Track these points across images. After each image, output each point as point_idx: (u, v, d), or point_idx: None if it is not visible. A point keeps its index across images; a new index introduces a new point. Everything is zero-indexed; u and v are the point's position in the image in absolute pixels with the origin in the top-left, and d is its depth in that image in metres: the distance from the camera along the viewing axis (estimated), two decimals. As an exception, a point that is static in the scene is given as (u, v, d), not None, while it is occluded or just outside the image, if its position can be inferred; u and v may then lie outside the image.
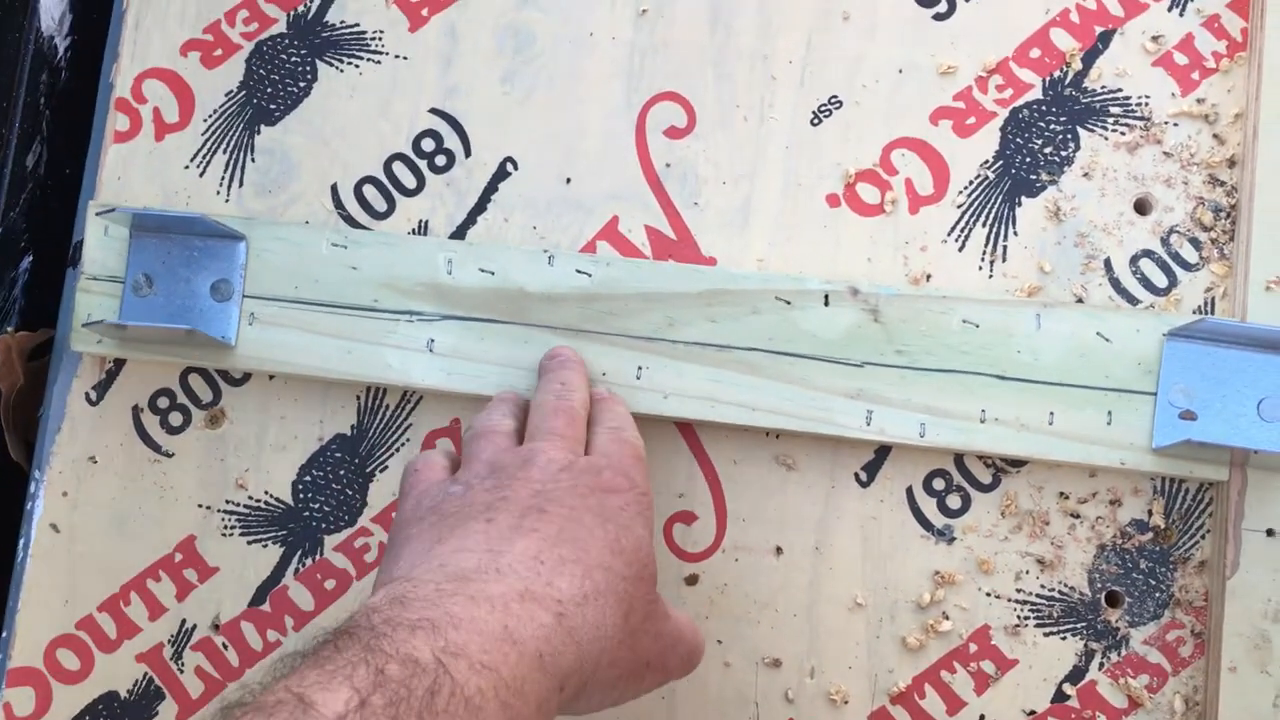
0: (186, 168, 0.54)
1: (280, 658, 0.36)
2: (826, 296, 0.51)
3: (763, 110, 0.54)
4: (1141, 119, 0.52)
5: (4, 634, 0.53)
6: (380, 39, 0.55)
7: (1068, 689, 0.50)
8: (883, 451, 0.52)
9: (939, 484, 0.51)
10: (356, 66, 0.55)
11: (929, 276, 0.52)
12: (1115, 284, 0.52)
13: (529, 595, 0.38)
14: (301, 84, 0.55)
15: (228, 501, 0.53)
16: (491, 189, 0.54)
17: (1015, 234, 0.52)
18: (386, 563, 0.42)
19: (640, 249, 0.53)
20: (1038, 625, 0.50)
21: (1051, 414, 0.50)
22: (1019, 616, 0.50)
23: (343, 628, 0.36)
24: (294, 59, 0.55)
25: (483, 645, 0.35)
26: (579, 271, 0.52)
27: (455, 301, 0.52)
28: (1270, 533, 0.49)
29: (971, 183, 0.53)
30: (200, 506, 0.53)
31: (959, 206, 0.52)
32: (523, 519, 0.41)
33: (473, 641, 0.35)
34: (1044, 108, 0.53)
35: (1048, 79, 0.53)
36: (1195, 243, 0.52)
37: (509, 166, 0.54)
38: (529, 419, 0.47)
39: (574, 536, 0.41)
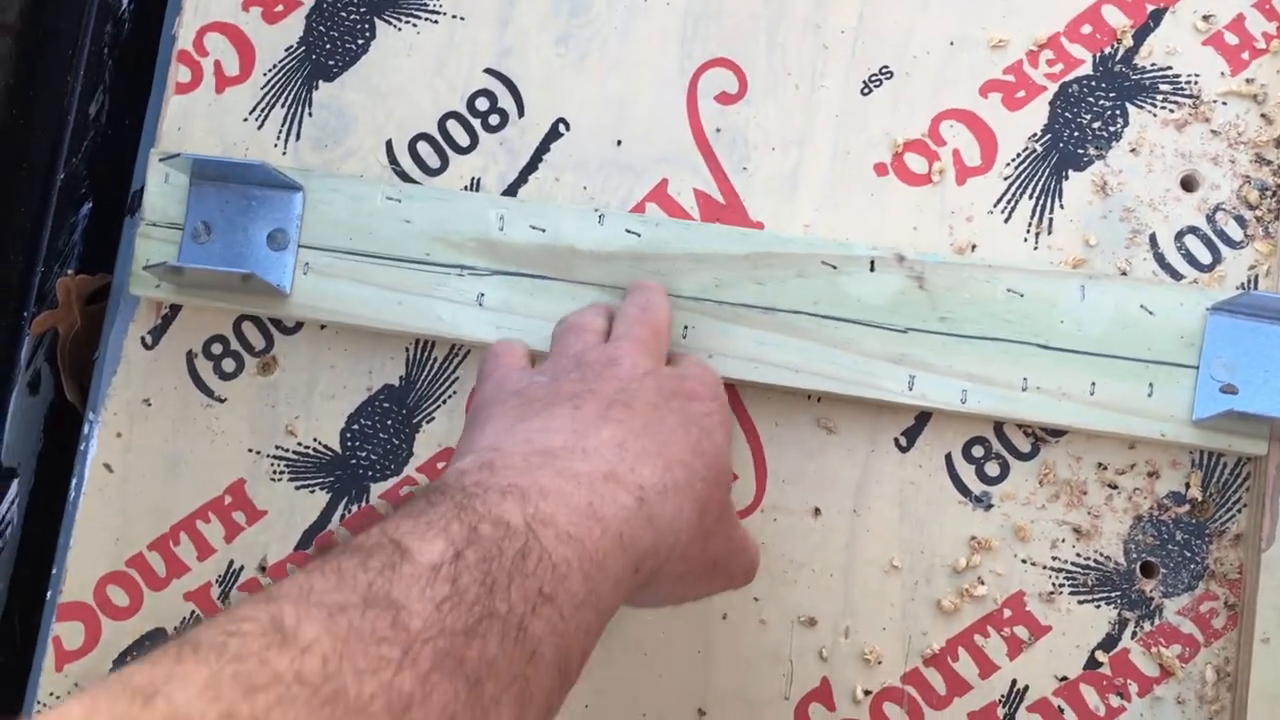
0: (245, 120, 0.56)
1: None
2: (872, 262, 0.51)
3: (814, 79, 0.54)
4: (1190, 97, 0.53)
5: (55, 570, 0.54)
6: (439, -1, 0.56)
7: (1100, 656, 0.51)
8: (923, 418, 0.52)
9: (978, 451, 0.52)
10: (414, 25, 0.56)
11: (974, 247, 0.53)
12: (1160, 259, 0.52)
13: (613, 477, 0.39)
14: (360, 41, 0.56)
15: (277, 447, 0.54)
16: (543, 149, 0.55)
17: (1061, 207, 0.53)
18: (466, 437, 0.43)
19: (689, 212, 0.54)
20: (1072, 593, 0.51)
21: (1093, 384, 0.50)
22: (1054, 584, 0.51)
23: (433, 487, 0.37)
24: (353, 16, 0.56)
25: (570, 517, 0.36)
26: (628, 231, 0.52)
27: (506, 257, 0.53)
28: (1307, 507, 0.49)
29: (1019, 155, 0.53)
30: (250, 451, 0.54)
31: (1006, 179, 0.53)
32: (608, 409, 0.42)
33: (560, 512, 0.36)
34: (1093, 83, 0.53)
35: (1098, 55, 0.53)
36: (1241, 220, 0.52)
37: (561, 127, 0.55)
38: (614, 326, 0.48)
39: (657, 432, 0.42)
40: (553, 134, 0.55)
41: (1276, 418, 0.48)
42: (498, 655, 0.32)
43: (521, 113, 0.55)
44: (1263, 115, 0.52)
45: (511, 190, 0.55)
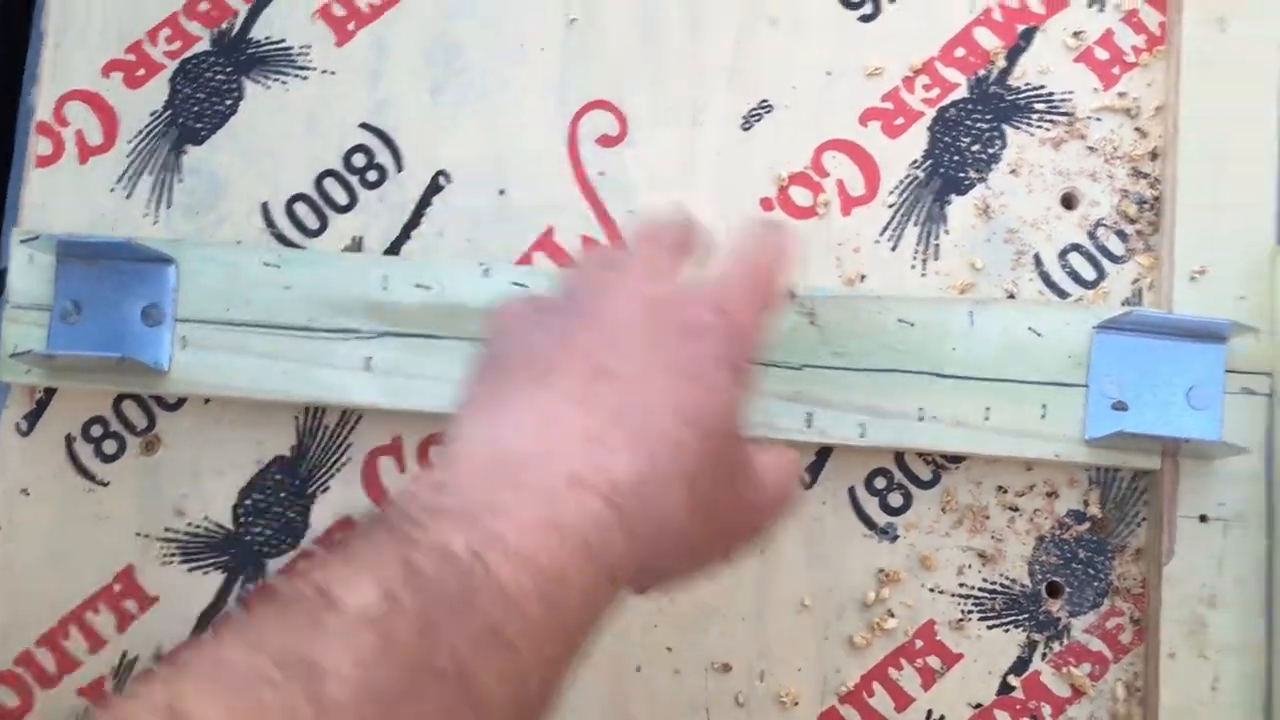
0: (113, 190, 0.54)
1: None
2: (763, 300, 0.51)
3: (694, 116, 0.54)
4: (1065, 114, 0.53)
5: (-60, 673, 0.52)
6: (307, 54, 0.54)
7: (1012, 680, 0.51)
8: (824, 453, 0.52)
9: (880, 483, 0.52)
10: (284, 83, 0.54)
11: (863, 277, 0.53)
12: (1045, 278, 0.52)
13: (577, 480, 0.34)
14: (228, 102, 0.54)
15: (166, 529, 0.52)
16: (425, 203, 0.54)
17: (946, 232, 0.53)
18: (455, 417, 0.39)
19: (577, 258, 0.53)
20: (981, 619, 0.51)
21: (988, 409, 0.50)
22: (962, 611, 0.51)
23: (376, 514, 0.33)
24: (219, 77, 0.54)
25: (521, 535, 0.32)
26: (515, 284, 0.51)
27: (392, 318, 0.51)
28: (1203, 519, 0.49)
29: (902, 182, 0.53)
30: (138, 535, 0.52)
31: (890, 206, 0.53)
32: (587, 384, 0.37)
33: (511, 531, 0.32)
34: (970, 106, 0.53)
35: (973, 77, 0.53)
36: (1122, 235, 0.52)
37: (441, 180, 0.54)
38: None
39: (640, 406, 0.36)
40: (433, 187, 0.54)
41: (1164, 436, 0.48)
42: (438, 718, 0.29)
43: (400, 167, 0.54)
44: (1137, 129, 0.53)
45: (394, 248, 0.53)
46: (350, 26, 0.54)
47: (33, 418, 0.53)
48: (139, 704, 0.27)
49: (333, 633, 0.28)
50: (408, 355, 0.51)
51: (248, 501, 0.52)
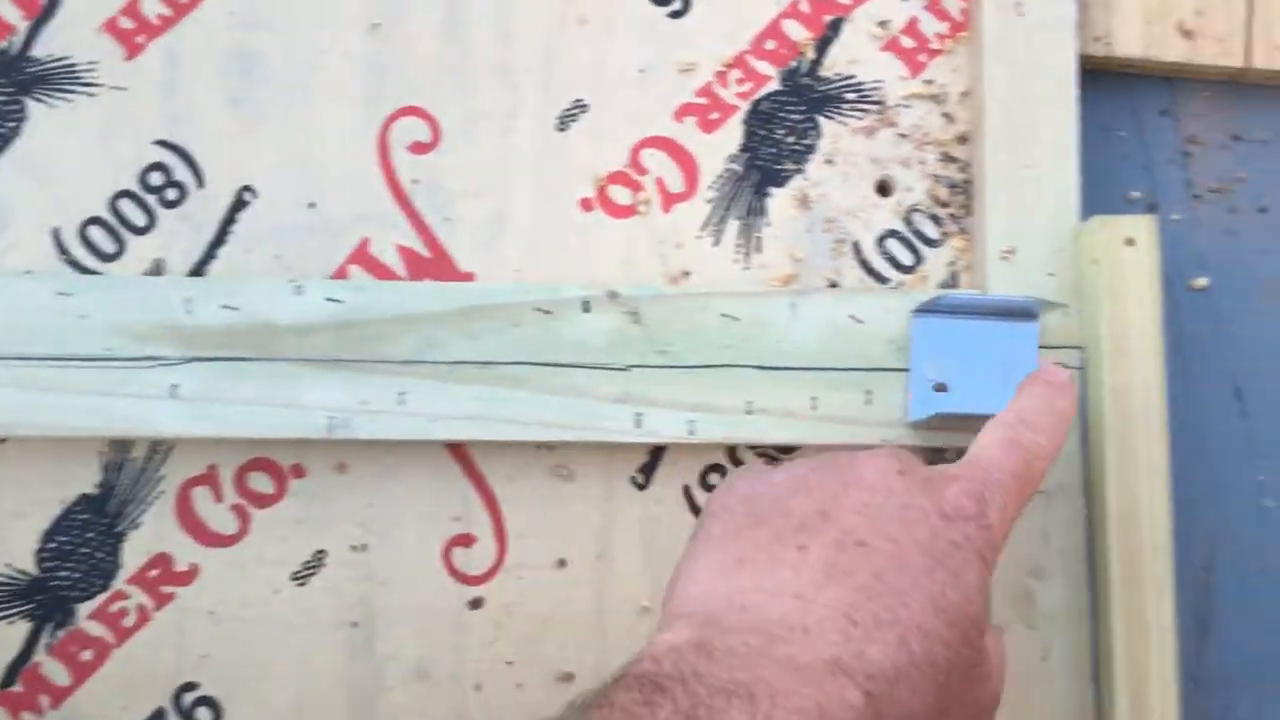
0: (-115, 223, 0.50)
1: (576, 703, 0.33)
2: (586, 303, 0.50)
3: (507, 120, 0.53)
4: (876, 103, 0.54)
5: None
6: (95, 70, 0.51)
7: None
8: (657, 452, 0.51)
9: (714, 479, 0.52)
10: (70, 101, 0.51)
11: (687, 273, 0.52)
12: (865, 265, 0.53)
13: (839, 667, 0.34)
14: (10, 124, 0.51)
15: (-36, 580, 0.49)
16: (230, 220, 0.51)
17: (768, 224, 0.53)
18: (686, 560, 0.39)
19: (394, 270, 0.52)
20: (821, 608, 0.51)
21: (814, 399, 0.50)
22: (803, 601, 0.51)
23: (649, 673, 0.33)
24: (0, 98, 0.51)
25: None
26: (329, 299, 0.50)
27: (198, 342, 0.49)
28: (1026, 493, 0.50)
29: (720, 177, 0.53)
30: (-67, 589, 0.49)
31: (710, 201, 0.53)
32: (839, 553, 0.37)
33: (785, 716, 0.32)
34: (784, 98, 0.53)
35: (785, 70, 0.54)
36: (936, 219, 0.53)
37: (246, 195, 0.51)
38: (973, 444, 0.42)
39: (894, 586, 0.36)
40: (238, 204, 0.51)
41: (984, 414, 0.49)
42: None
43: (201, 184, 0.51)
44: (945, 114, 0.54)
45: (199, 269, 0.51)
46: (139, 40, 0.52)
47: None
48: None
49: None
50: (217, 380, 0.49)
51: (52, 545, 0.49)
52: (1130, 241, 0.50)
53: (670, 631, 0.36)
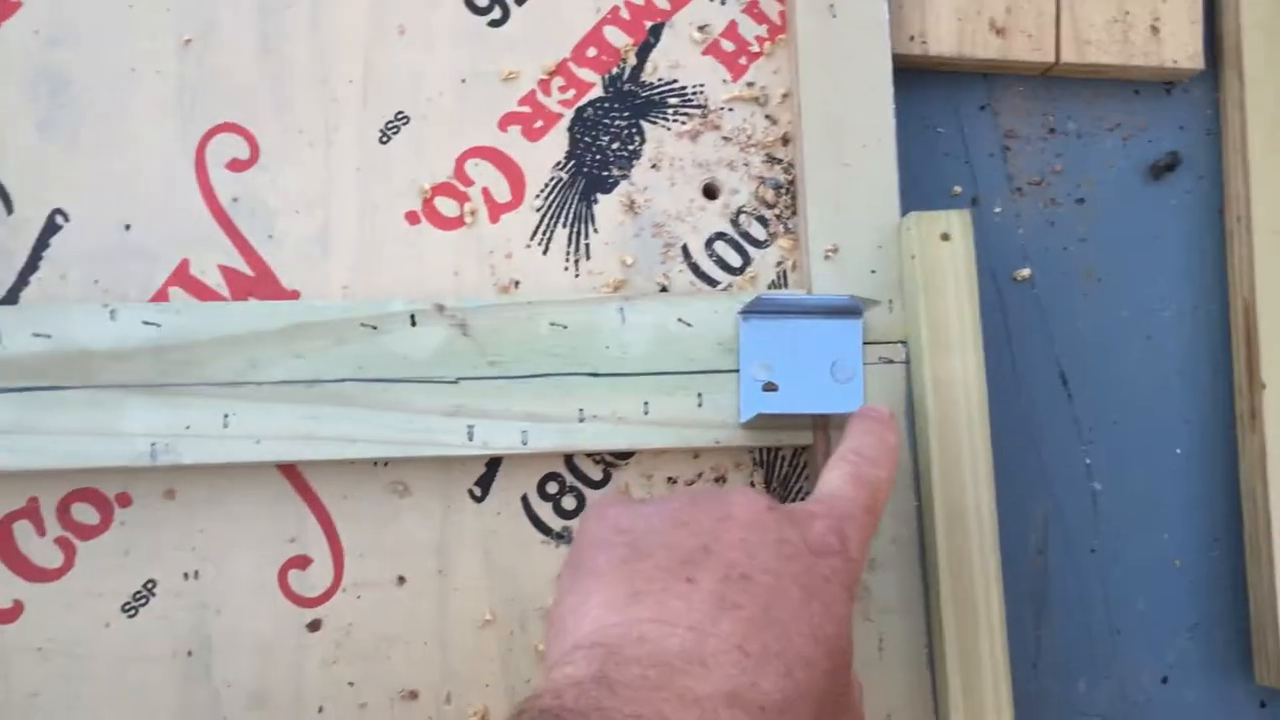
0: None
1: None
2: (413, 316, 0.50)
3: (328, 133, 0.52)
4: (699, 107, 0.54)
5: None
6: (-109, 95, 0.50)
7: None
8: (493, 464, 0.51)
9: (552, 487, 0.52)
10: None
11: (517, 283, 0.52)
12: (695, 269, 0.53)
13: (735, 699, 0.35)
14: None
15: None
16: (42, 245, 0.50)
17: (596, 231, 0.53)
18: (571, 594, 0.39)
19: (218, 291, 0.51)
20: (662, 610, 0.51)
21: (646, 404, 0.51)
22: (644, 605, 0.51)
23: (550, 709, 0.33)
24: None
25: None
26: (146, 322, 0.49)
27: (9, 373, 0.47)
28: (857, 487, 0.51)
29: (547, 185, 0.53)
30: None
31: (538, 210, 0.53)
32: (726, 585, 0.38)
33: None
34: (606, 105, 0.54)
35: (606, 76, 0.54)
36: (762, 220, 0.54)
37: (58, 219, 0.50)
38: (818, 485, 0.43)
39: (778, 619, 0.38)
40: (50, 228, 0.50)
41: (808, 412, 0.50)
42: None
43: (10, 209, 0.50)
44: (767, 116, 0.54)
45: (11, 296, 0.49)
46: (-62, 62, 0.50)
47: None
48: None
49: None
50: (31, 411, 0.47)
51: None
52: (946, 236, 0.51)
53: (571, 665, 0.36)
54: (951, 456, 0.50)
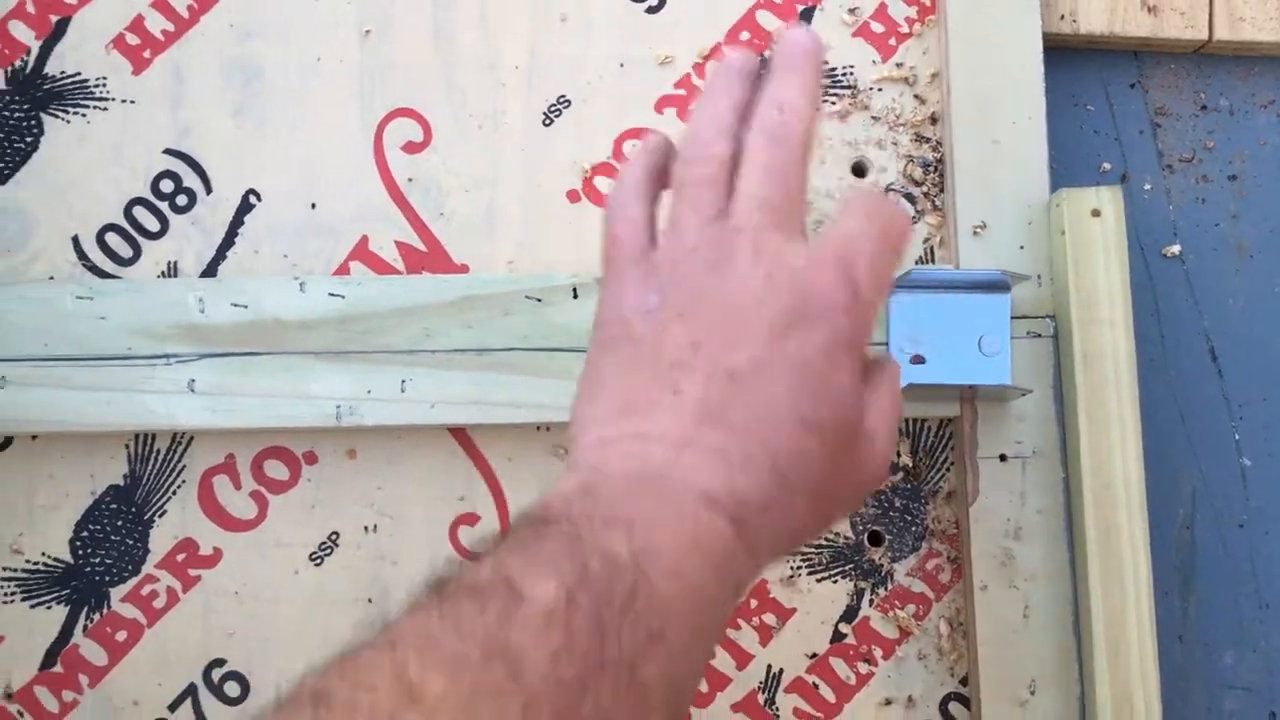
0: (-82, 237, 0.53)
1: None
2: (575, 289, 0.53)
3: (495, 117, 0.55)
4: (848, 88, 0.55)
5: None
6: (104, 85, 0.54)
7: (844, 628, 0.53)
8: (649, 430, 0.54)
9: (704, 454, 0.54)
10: (84, 116, 0.54)
11: (672, 258, 0.55)
12: (843, 245, 0.55)
13: (713, 501, 0.36)
14: (28, 139, 0.54)
15: (5, 568, 0.52)
16: (238, 223, 0.54)
17: (748, 208, 0.55)
18: (584, 391, 0.40)
19: (393, 265, 0.54)
20: (810, 573, 0.54)
21: (796, 374, 0.52)
22: (792, 567, 0.53)
23: (539, 515, 0.35)
24: (16, 115, 0.54)
25: (675, 551, 0.35)
26: (332, 294, 0.52)
27: (211, 339, 0.52)
28: (1003, 458, 0.52)
29: (701, 165, 0.55)
30: (-24, 578, 0.52)
31: (692, 188, 0.55)
32: (710, 388, 0.37)
33: (665, 545, 0.35)
34: (759, 86, 0.55)
35: (763, 57, 0.56)
36: (910, 197, 0.55)
37: (252, 199, 0.54)
38: (742, 158, 0.40)
39: (763, 414, 0.37)
40: (245, 206, 0.54)
41: (958, 384, 0.51)
42: (611, 708, 0.32)
43: (210, 189, 0.54)
44: (916, 95, 0.56)
45: (211, 269, 0.54)
46: (146, 54, 0.55)
47: None
48: (368, 670, 0.30)
49: (523, 622, 0.31)
50: (229, 375, 0.52)
51: (85, 533, 0.53)
52: (1096, 212, 0.52)
53: (564, 480, 0.38)
54: (1100, 430, 0.51)
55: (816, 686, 0.53)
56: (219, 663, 0.52)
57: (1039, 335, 0.53)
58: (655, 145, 0.43)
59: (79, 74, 0.54)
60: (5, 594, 0.52)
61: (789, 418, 0.37)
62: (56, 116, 0.54)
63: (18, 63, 0.54)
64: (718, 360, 0.38)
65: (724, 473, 0.37)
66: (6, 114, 0.54)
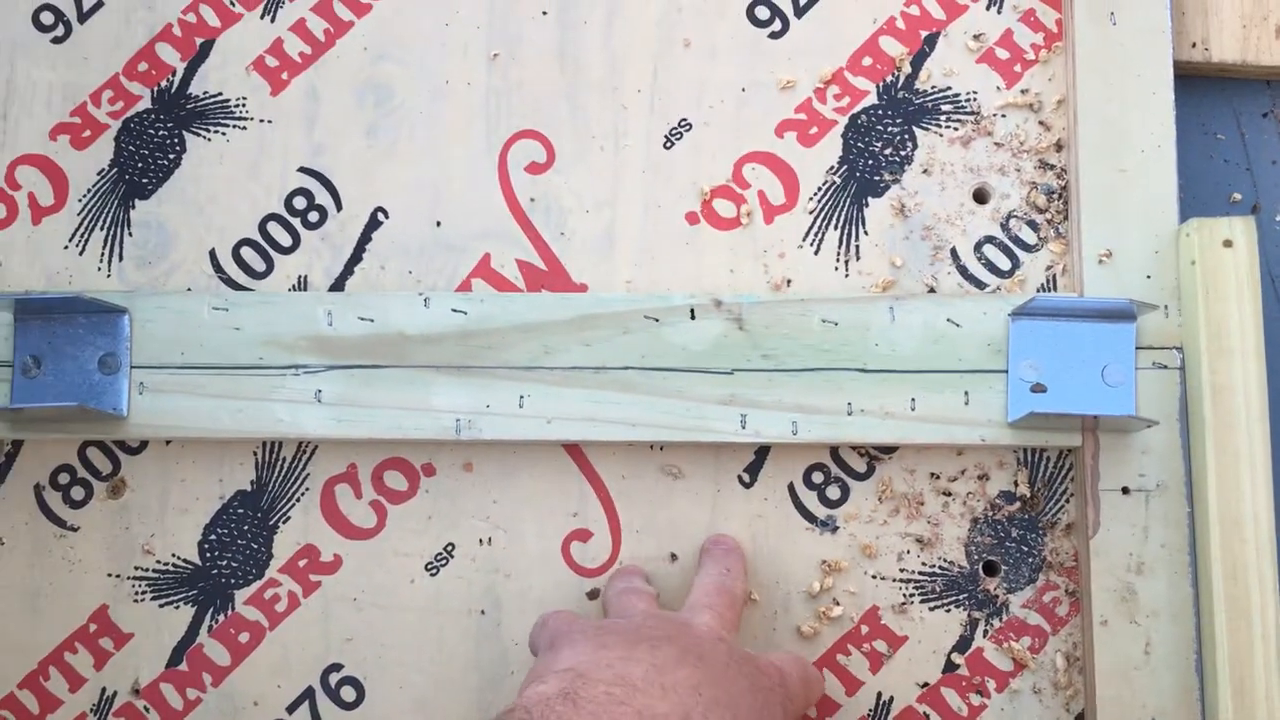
0: (66, 248, 0.56)
1: None
2: (692, 310, 0.53)
3: (617, 139, 0.56)
4: (972, 114, 0.55)
5: (-72, 721, 0.54)
6: (244, 105, 0.57)
7: (956, 658, 0.53)
8: (762, 452, 0.54)
9: (818, 477, 0.54)
10: (223, 134, 0.57)
11: (789, 281, 0.55)
12: (963, 271, 0.54)
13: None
14: (171, 156, 0.57)
15: (136, 568, 0.54)
16: (365, 239, 0.56)
17: (866, 233, 0.55)
18: (545, 659, 0.45)
19: (514, 282, 0.55)
20: (923, 601, 0.53)
21: (913, 400, 0.52)
22: (904, 595, 0.53)
23: (518, 717, 0.38)
24: (161, 133, 0.57)
25: None
26: (454, 310, 0.54)
27: (338, 351, 0.54)
28: (1125, 491, 0.51)
29: (820, 189, 0.55)
30: (110, 575, 0.54)
31: (810, 212, 0.55)
32: (684, 655, 0.43)
33: None
34: (880, 112, 0.56)
35: (881, 84, 0.56)
36: (1033, 225, 0.55)
37: (380, 216, 0.56)
38: (691, 595, 0.50)
39: (728, 690, 0.43)
40: (373, 223, 0.56)
41: (1080, 414, 0.50)
42: None
43: (340, 206, 0.56)
44: (1041, 122, 0.55)
45: (339, 284, 0.56)
46: (284, 76, 0.57)
47: (2, 470, 0.55)
48: None
49: None
50: (354, 386, 0.53)
51: (212, 536, 0.54)
52: (1228, 243, 0.51)
53: (543, 684, 0.41)
54: (1228, 463, 0.50)
55: (927, 716, 0.52)
56: (336, 667, 0.54)
57: (1165, 366, 0.52)
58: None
59: (220, 94, 0.57)
60: (136, 593, 0.54)
61: (746, 699, 0.44)
62: (198, 135, 0.57)
63: (164, 83, 0.57)
64: (688, 648, 0.44)
65: (699, 703, 0.41)
66: (152, 132, 0.57)
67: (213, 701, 0.53)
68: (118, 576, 0.54)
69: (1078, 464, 0.53)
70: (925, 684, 0.53)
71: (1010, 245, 0.54)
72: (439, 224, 0.56)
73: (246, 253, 0.56)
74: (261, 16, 0.57)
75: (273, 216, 0.56)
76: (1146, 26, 0.53)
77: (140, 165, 0.56)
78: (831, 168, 0.55)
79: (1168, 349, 0.52)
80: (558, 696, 0.39)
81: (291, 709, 0.53)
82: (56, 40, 0.57)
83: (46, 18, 0.57)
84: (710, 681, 0.42)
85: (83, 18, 0.57)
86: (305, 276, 0.56)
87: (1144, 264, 0.52)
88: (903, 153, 0.55)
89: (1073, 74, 0.54)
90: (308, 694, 0.53)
